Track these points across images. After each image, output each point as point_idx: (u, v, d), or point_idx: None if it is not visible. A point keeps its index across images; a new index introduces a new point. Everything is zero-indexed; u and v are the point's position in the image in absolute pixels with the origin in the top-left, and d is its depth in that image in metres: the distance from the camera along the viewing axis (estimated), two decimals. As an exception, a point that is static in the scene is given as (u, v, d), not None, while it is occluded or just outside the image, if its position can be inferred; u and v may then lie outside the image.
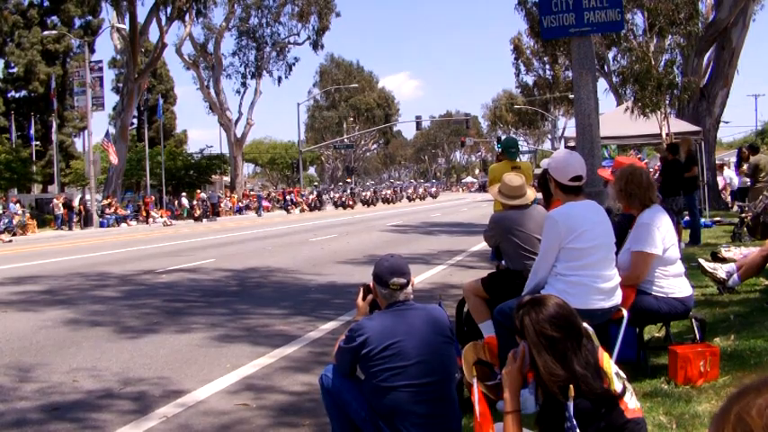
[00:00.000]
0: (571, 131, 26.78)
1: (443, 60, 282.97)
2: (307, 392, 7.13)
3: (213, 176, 74.52)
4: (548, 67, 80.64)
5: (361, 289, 5.19)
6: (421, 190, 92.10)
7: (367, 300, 5.09)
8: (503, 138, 18.34)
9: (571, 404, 3.52)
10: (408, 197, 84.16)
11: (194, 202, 56.13)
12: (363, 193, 72.72)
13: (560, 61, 69.71)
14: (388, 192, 78.94)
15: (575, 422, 3.51)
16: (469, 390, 5.47)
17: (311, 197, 66.27)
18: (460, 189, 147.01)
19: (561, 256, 5.78)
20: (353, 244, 24.78)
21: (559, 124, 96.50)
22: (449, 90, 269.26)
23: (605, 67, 41.59)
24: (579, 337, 3.69)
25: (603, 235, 5.84)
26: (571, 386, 3.54)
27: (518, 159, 11.91)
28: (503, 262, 7.46)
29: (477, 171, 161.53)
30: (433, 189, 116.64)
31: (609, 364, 3.80)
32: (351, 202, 67.37)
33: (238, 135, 72.91)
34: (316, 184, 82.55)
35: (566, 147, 23.88)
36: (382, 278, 4.77)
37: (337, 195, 70.89)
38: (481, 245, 18.59)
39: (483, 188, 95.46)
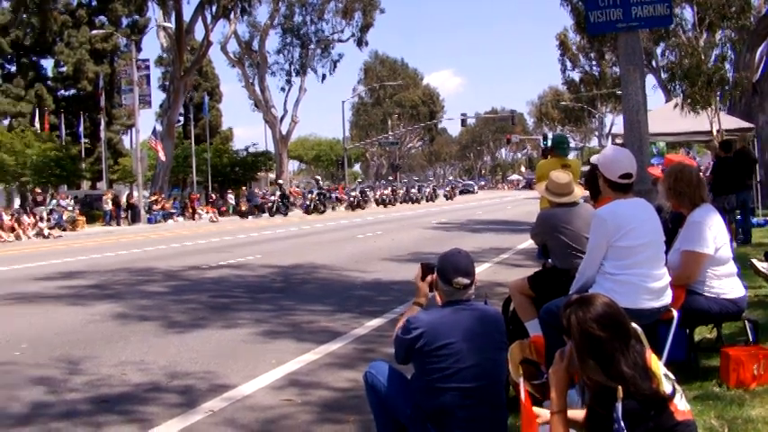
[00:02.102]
0: (619, 128, 26.56)
1: (488, 57, 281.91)
2: (351, 389, 7.12)
3: (258, 173, 74.77)
4: (594, 62, 79.83)
5: (421, 267, 5.09)
6: (447, 189, 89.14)
7: (427, 280, 4.99)
8: (549, 135, 18.20)
9: (619, 405, 3.47)
10: (446, 195, 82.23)
11: (240, 199, 56.46)
12: (381, 192, 68.95)
13: (607, 57, 68.98)
14: (413, 190, 75.25)
15: (623, 424, 3.46)
16: (515, 389, 5.43)
17: (353, 194, 64.45)
18: (506, 186, 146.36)
19: (609, 255, 5.70)
20: (397, 241, 24.74)
21: (606, 121, 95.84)
22: (494, 87, 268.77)
23: (653, 63, 41.20)
24: (627, 338, 3.63)
25: (652, 233, 5.75)
26: (619, 387, 3.49)
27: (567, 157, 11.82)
28: (549, 260, 7.39)
29: (522, 168, 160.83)
30: (475, 187, 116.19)
31: (658, 365, 3.74)
32: (392, 200, 66.32)
33: (283, 132, 73.17)
34: (360, 180, 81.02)
35: (613, 144, 23.67)
36: (446, 275, 4.68)
37: (379, 193, 69.72)
38: (527, 243, 18.51)
39: (529, 185, 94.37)
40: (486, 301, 5.02)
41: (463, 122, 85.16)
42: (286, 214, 51.58)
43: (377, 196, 66.23)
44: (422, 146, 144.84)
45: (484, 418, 4.56)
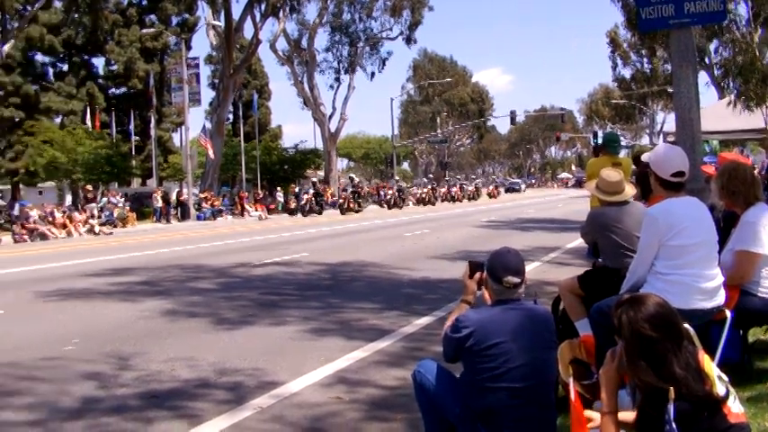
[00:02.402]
0: (670, 126, 26.27)
1: (537, 54, 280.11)
2: (400, 387, 7.10)
3: (307, 171, 75.02)
4: (645, 60, 78.96)
5: (469, 265, 5.06)
6: (491, 187, 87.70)
7: (475, 277, 4.96)
8: (599, 133, 18.03)
9: (671, 407, 3.42)
10: (489, 194, 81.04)
11: (289, 197, 56.71)
12: (419, 191, 67.74)
13: (659, 54, 68.20)
14: (455, 189, 72.77)
15: (675, 426, 3.41)
16: (565, 389, 5.39)
17: (390, 192, 63.56)
18: (555, 185, 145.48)
19: (661, 254, 5.63)
20: (445, 239, 24.69)
21: (658, 119, 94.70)
22: (543, 85, 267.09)
23: (706, 60, 40.71)
24: (680, 339, 3.58)
25: (705, 232, 5.66)
26: (671, 388, 3.44)
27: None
28: (600, 259, 7.32)
29: (572, 167, 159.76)
30: (522, 185, 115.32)
31: (711, 366, 3.68)
32: (431, 198, 64.82)
33: (332, 130, 73.28)
34: (430, 176, 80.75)
35: (665, 142, 23.41)
36: (496, 273, 4.64)
37: (419, 191, 68.81)
38: (577, 242, 18.34)
39: (579, 184, 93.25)
40: (536, 301, 4.97)
41: (512, 120, 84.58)
42: (320, 213, 50.80)
43: (417, 195, 65.22)
44: (471, 144, 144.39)
45: (533, 418, 4.53)
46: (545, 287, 12.05)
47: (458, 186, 74.38)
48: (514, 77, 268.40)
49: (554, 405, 4.73)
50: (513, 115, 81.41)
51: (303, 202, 51.45)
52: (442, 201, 67.67)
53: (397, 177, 69.26)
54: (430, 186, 68.41)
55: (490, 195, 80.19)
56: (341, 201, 53.48)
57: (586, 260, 10.87)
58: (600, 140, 14.33)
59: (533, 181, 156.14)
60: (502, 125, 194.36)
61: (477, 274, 4.95)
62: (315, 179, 57.57)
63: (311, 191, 52.82)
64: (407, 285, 14.32)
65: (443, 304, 11.35)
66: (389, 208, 56.33)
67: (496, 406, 4.47)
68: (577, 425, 4.06)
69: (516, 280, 4.60)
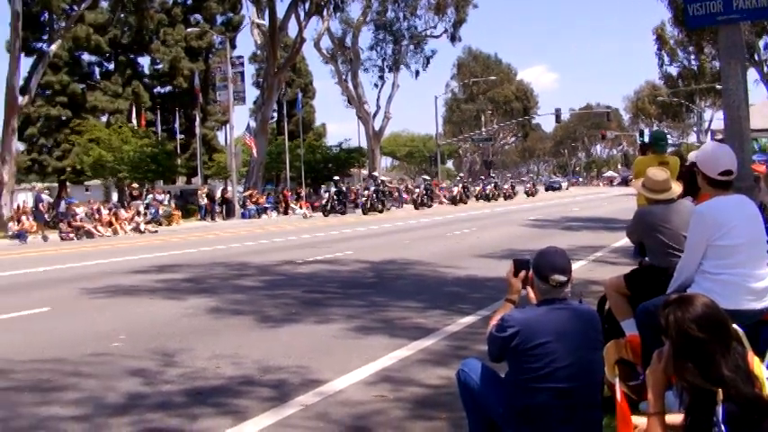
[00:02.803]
0: (718, 124, 25.98)
1: (583, 52, 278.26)
2: (444, 386, 7.07)
3: (352, 169, 75.14)
4: (693, 56, 78.19)
5: (513, 264, 5.02)
6: (528, 185, 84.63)
7: (520, 276, 4.92)
8: (646, 131, 17.84)
9: (720, 409, 3.37)
10: (527, 192, 79.27)
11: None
12: (453, 189, 65.34)
13: (706, 51, 67.53)
14: (489, 187, 70.40)
15: (724, 428, 3.36)
16: (611, 389, 5.34)
17: (455, 189, 62.76)
18: (601, 183, 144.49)
19: (709, 254, 5.55)
20: (491, 238, 24.64)
21: (705, 116, 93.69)
22: (588, 82, 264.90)
23: (755, 56, 40.20)
24: (728, 340, 3.53)
25: (754, 231, 5.57)
26: (719, 390, 3.39)
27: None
28: (646, 259, 7.24)
29: (618, 165, 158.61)
30: (565, 183, 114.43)
31: (761, 368, 3.63)
32: (463, 197, 62.72)
33: (376, 128, 73.35)
34: (461, 176, 79.98)
35: (713, 140, 23.13)
36: (542, 272, 4.61)
37: (479, 189, 68.33)
38: (623, 241, 18.20)
39: (625, 182, 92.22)
40: (582, 300, 4.93)
41: (557, 118, 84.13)
42: (344, 213, 49.31)
43: (453, 194, 63.25)
44: (515, 142, 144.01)
45: (578, 419, 4.49)
46: (591, 286, 11.96)
47: (492, 185, 72.50)
48: (559, 75, 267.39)
49: (600, 405, 4.69)
50: (557, 113, 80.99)
51: (324, 202, 49.96)
52: (477, 200, 66.29)
53: (424, 176, 67.88)
54: (461, 185, 66.36)
55: (528, 194, 79.03)
56: (363, 200, 51.04)
57: (632, 259, 10.76)
58: (646, 139, 14.21)
59: (579, 179, 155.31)
60: (547, 123, 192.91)
61: (522, 273, 4.92)
62: (336, 177, 55.75)
63: (332, 189, 51.27)
64: (452, 284, 14.29)
65: (488, 303, 11.30)
66: (416, 207, 54.60)
67: (541, 406, 4.44)
68: (623, 425, 4.02)
69: (563, 279, 4.57)
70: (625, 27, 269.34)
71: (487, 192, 68.86)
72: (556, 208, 47.24)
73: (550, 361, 4.41)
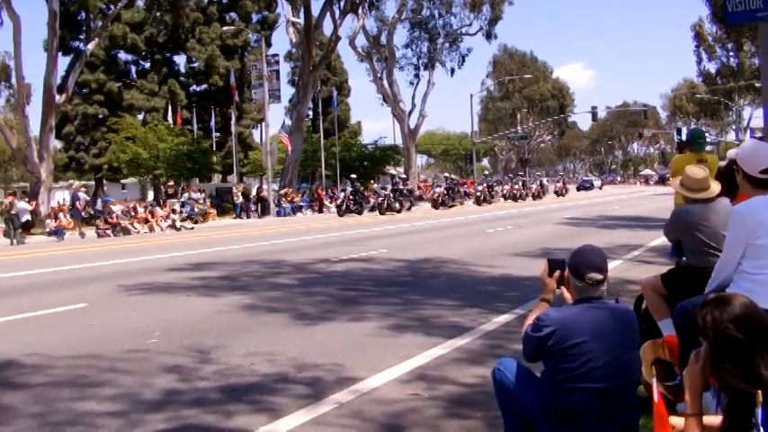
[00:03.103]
0: (758, 122, 25.68)
1: (620, 49, 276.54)
2: (479, 385, 7.05)
3: (387, 167, 75.18)
4: (732, 53, 77.57)
5: (547, 263, 4.99)
6: (558, 184, 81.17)
7: (555, 276, 4.88)
8: (684, 129, 17.65)
9: (760, 411, 3.33)
10: (556, 192, 76.57)
11: (367, 193, 56.76)
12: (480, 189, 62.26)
13: (746, 47, 66.97)
14: (516, 187, 67.58)
15: (763, 430, 3.32)
16: (648, 389, 5.29)
17: (480, 188, 61.38)
18: (638, 182, 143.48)
19: (748, 254, 5.48)
20: (526, 236, 24.57)
21: (745, 114, 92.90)
22: (625, 80, 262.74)
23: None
24: (767, 341, 3.49)
25: (796, 231, 5.51)
26: (759, 391, 3.35)
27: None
28: (684, 258, 7.18)
29: (655, 163, 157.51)
30: (598, 182, 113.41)
31: (801, 369, 3.58)
32: (488, 197, 60.43)
33: (411, 126, 73.33)
34: (486, 173, 79.28)
35: (752, 138, 22.88)
36: (578, 270, 4.58)
37: (507, 188, 66.81)
38: (660, 240, 18.05)
39: (662, 181, 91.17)
40: (618, 299, 4.90)
41: (594, 116, 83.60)
42: (360, 213, 47.35)
43: (476, 192, 60.96)
44: (551, 140, 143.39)
45: (614, 419, 4.45)
46: (627, 286, 11.89)
47: (520, 184, 70.37)
48: (596, 73, 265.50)
49: (636, 406, 4.66)
50: (594, 111, 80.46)
51: (339, 202, 48.45)
52: (505, 199, 64.32)
53: (446, 174, 66.44)
54: (485, 184, 64.62)
55: (558, 193, 76.47)
56: (379, 200, 48.33)
57: (670, 259, 10.69)
58: (684, 137, 14.07)
59: (616, 178, 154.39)
60: (583, 121, 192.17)
61: (557, 272, 4.89)
62: (354, 176, 53.52)
63: (348, 189, 49.62)
64: (487, 282, 14.25)
65: (524, 302, 11.27)
66: (436, 207, 52.53)
67: (577, 406, 4.41)
68: (660, 426, 3.98)
69: (599, 277, 4.53)
70: (663, 24, 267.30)
71: (515, 191, 66.57)
72: (594, 207, 46.89)
73: (587, 360, 4.38)
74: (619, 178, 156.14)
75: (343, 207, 47.16)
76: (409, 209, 50.38)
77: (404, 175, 58.42)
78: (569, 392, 4.41)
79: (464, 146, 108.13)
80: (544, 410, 4.57)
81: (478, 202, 59.28)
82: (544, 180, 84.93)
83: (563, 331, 4.42)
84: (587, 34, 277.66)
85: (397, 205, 48.10)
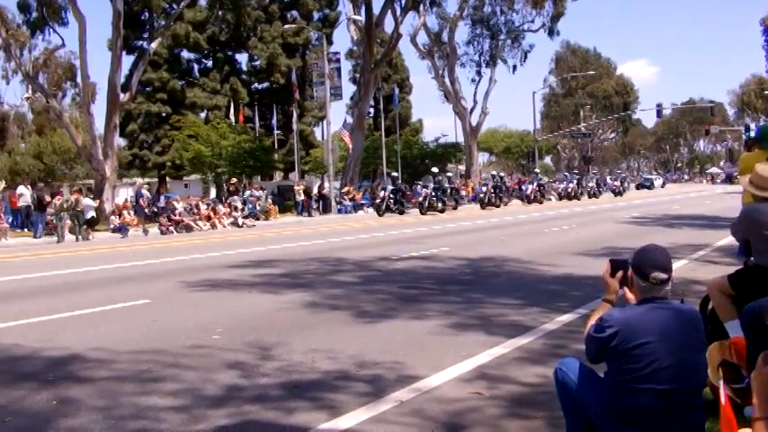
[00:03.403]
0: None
1: (686, 45, 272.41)
2: (541, 384, 6.99)
3: (448, 165, 75.08)
4: (804, 47, 76.20)
5: (609, 264, 4.93)
6: (615, 183, 76.60)
7: (617, 276, 4.82)
8: (752, 126, 17.31)
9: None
10: (614, 191, 72.76)
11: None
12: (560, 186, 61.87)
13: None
14: (571, 186, 64.50)
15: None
16: (714, 392, 5.20)
17: (530, 187, 59.33)
18: (704, 180, 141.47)
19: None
20: (589, 235, 24.37)
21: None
22: (691, 76, 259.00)
23: None
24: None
25: None
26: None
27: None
28: (752, 258, 7.04)
29: (722, 161, 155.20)
30: (658, 180, 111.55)
31: None
32: (538, 196, 58.14)
33: (473, 124, 73.13)
34: (537, 172, 78.15)
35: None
36: (642, 270, 4.52)
37: (561, 187, 65.48)
38: (727, 239, 17.73)
39: (729, 179, 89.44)
40: (683, 300, 4.81)
41: (659, 113, 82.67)
42: (401, 213, 45.62)
43: (528, 192, 58.77)
44: (615, 138, 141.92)
45: (681, 421, 4.38)
46: (692, 286, 11.72)
47: (574, 183, 66.67)
48: (661, 69, 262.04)
49: (703, 408, 4.57)
50: (659, 108, 79.49)
51: (379, 201, 46.45)
52: (560, 199, 62.36)
53: (494, 172, 64.72)
54: (535, 183, 60.97)
55: (615, 193, 72.72)
56: (420, 199, 46.02)
57: (737, 259, 10.49)
58: (753, 134, 13.78)
59: (683, 176, 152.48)
60: (647, 118, 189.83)
61: (619, 273, 4.83)
62: (395, 173, 52.14)
63: (389, 187, 47.75)
64: (550, 281, 14.14)
65: (586, 301, 11.15)
66: (483, 207, 50.36)
67: (641, 407, 4.35)
68: (727, 429, 3.90)
69: (663, 276, 4.46)
70: (730, 18, 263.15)
71: (569, 190, 64.03)
72: (658, 206, 46.33)
73: (651, 361, 4.32)
74: (686, 176, 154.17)
75: (383, 207, 45.60)
76: (455, 208, 48.63)
77: (450, 174, 57.26)
78: (633, 393, 4.35)
79: (526, 143, 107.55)
80: (607, 411, 4.52)
81: (529, 201, 57.73)
82: (608, 178, 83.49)
83: (627, 332, 4.36)
84: (652, 30, 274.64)
85: (440, 204, 45.98)
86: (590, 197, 66.39)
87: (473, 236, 26.30)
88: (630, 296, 4.69)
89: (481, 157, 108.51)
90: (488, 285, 13.96)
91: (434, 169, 51.56)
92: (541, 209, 49.54)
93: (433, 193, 46.05)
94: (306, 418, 6.29)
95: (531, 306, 11.30)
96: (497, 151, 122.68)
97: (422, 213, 44.57)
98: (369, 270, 16.63)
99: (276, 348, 8.80)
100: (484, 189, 53.67)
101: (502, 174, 66.26)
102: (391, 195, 46.40)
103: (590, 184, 69.60)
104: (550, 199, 62.24)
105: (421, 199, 46.02)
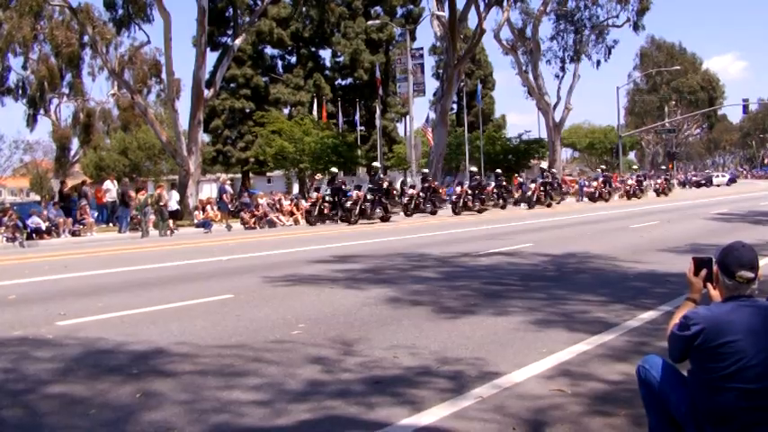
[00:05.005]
0: None
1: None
2: (623, 382, 6.93)
3: (531, 161, 74.57)
4: None
5: (693, 262, 4.86)
6: (659, 181, 67.99)
7: (701, 275, 4.77)
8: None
9: None
10: (656, 190, 64.81)
11: (511, 187, 56.21)
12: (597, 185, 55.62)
13: None
14: (630, 182, 59.20)
15: None
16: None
17: (629, 182, 58.43)
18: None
19: None
20: (674, 231, 24.02)
21: None
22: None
23: None
24: None
25: None
26: None
27: None
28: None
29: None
30: (720, 177, 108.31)
31: None
32: (603, 194, 54.43)
33: (557, 119, 72.50)
34: (635, 168, 76.70)
35: None
36: (728, 268, 4.47)
37: (658, 182, 64.46)
38: (817, 237, 17.33)
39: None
40: (771, 298, 4.73)
41: (745, 109, 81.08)
42: (434, 213, 42.15)
43: (625, 187, 57.03)
44: (700, 133, 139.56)
45: (767, 422, 4.31)
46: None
47: (633, 179, 59.82)
48: (749, 64, 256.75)
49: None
50: (745, 103, 77.92)
51: (407, 200, 42.24)
52: (619, 197, 57.58)
53: (542, 165, 61.10)
54: (601, 179, 56.70)
55: (658, 192, 64.53)
56: (454, 198, 43.21)
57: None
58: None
59: (763, 173, 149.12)
60: (733, 114, 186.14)
61: (703, 271, 4.77)
62: (426, 170, 48.70)
63: (418, 186, 44.55)
64: (634, 278, 13.96)
65: (670, 299, 11.02)
66: (530, 207, 47.05)
67: (727, 407, 4.29)
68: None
69: (750, 275, 4.41)
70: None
71: (627, 187, 58.88)
72: (745, 203, 45.26)
73: (737, 360, 4.26)
74: (763, 172, 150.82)
75: (411, 206, 41.99)
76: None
77: (554, 170, 56.56)
78: (718, 393, 4.30)
79: (610, 139, 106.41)
80: (692, 410, 4.47)
81: (628, 196, 56.51)
82: (690, 174, 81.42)
83: (712, 330, 4.31)
84: (741, 24, 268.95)
85: (478, 204, 43.21)
86: (659, 194, 62.98)
87: (557, 232, 26.08)
88: (715, 293, 4.63)
89: (564, 153, 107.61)
90: (572, 282, 13.83)
91: (473, 168, 49.79)
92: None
93: (469, 191, 43.36)
94: (387, 413, 6.31)
95: (615, 303, 11.19)
96: (581, 147, 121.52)
97: (455, 213, 41.82)
98: (451, 266, 16.60)
99: (358, 344, 8.84)
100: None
101: (545, 167, 61.58)
102: (421, 194, 42.88)
103: (630, 181, 61.00)
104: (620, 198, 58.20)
105: (455, 198, 43.28)
